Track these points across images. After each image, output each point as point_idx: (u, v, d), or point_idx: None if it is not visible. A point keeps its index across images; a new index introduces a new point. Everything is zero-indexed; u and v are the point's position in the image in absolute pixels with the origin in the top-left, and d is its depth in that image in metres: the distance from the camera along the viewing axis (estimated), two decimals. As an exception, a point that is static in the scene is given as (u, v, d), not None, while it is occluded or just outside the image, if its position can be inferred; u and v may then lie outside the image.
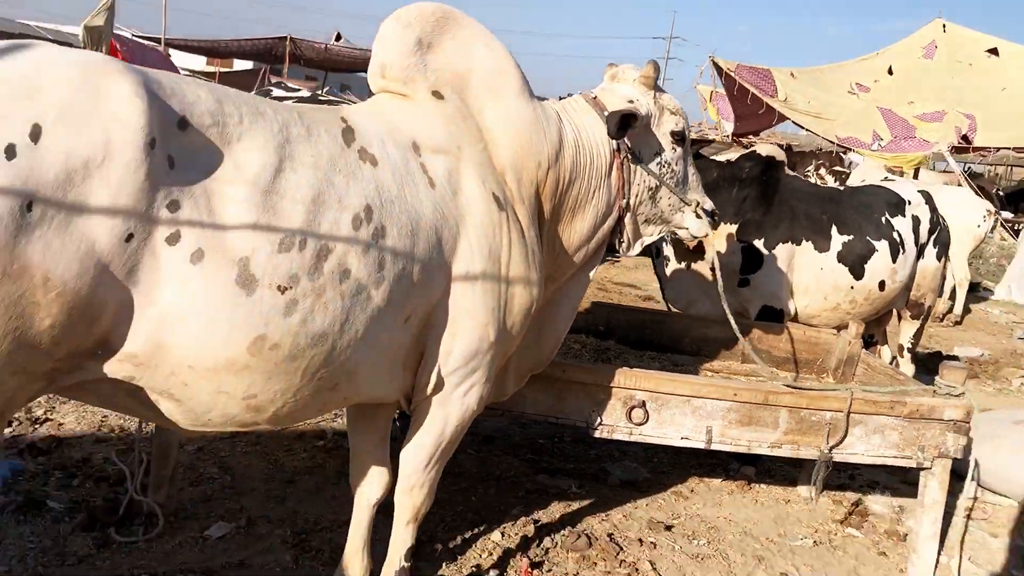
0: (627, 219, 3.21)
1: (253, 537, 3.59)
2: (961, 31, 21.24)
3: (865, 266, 5.05)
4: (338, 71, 31.49)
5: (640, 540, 3.94)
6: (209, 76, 30.59)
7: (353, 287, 2.35)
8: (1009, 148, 18.00)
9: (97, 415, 4.54)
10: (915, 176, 17.71)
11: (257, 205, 2.20)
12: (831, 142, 18.46)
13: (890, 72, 20.77)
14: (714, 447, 3.64)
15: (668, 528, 4.10)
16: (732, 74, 17.71)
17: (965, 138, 18.08)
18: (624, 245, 3.29)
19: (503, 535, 3.84)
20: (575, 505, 4.26)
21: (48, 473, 3.87)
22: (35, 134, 1.89)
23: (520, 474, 4.60)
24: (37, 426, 4.34)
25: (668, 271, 5.12)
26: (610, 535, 3.94)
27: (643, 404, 3.58)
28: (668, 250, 5.08)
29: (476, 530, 3.86)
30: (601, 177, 3.08)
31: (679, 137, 3.25)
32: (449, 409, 2.81)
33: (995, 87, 19.29)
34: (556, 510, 4.16)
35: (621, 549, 3.83)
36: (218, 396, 2.25)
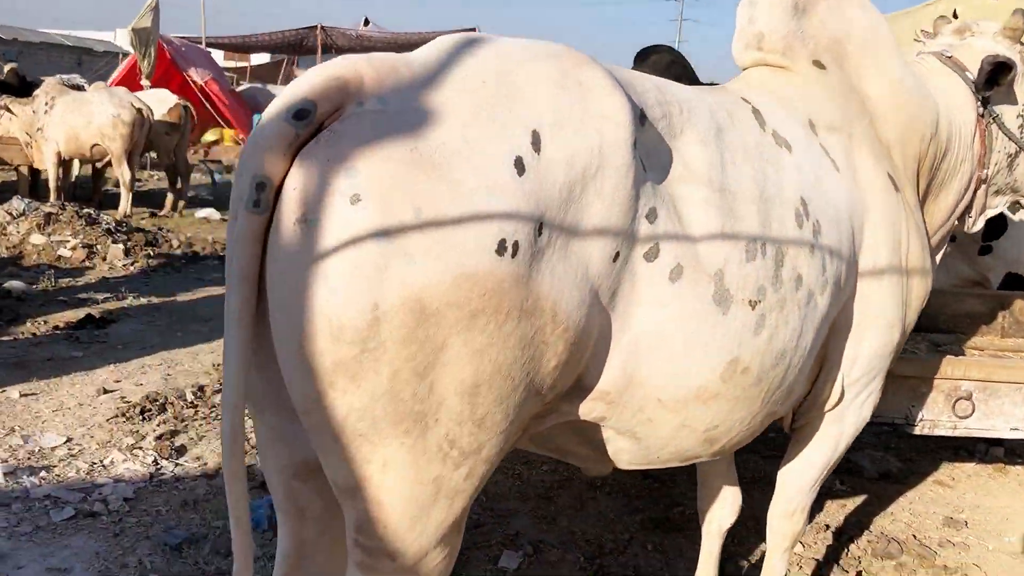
0: (980, 192, 2.85)
1: (547, 565, 3.29)
2: (1026, -32, 20.40)
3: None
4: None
5: (950, 541, 3.60)
6: (236, 71, 30.37)
7: (805, 295, 2.03)
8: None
9: (317, 438, 4.25)
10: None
11: (718, 208, 1.88)
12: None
13: (955, 16, 20.02)
14: (1046, 437, 3.29)
15: (966, 525, 3.77)
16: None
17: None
18: (971, 220, 2.93)
19: (803, 545, 3.52)
20: (849, 504, 3.93)
21: (301, 507, 3.58)
22: (536, 143, 1.57)
23: (772, 472, 4.26)
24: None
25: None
26: (914, 536, 3.62)
27: (970, 395, 3.23)
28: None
29: (769, 541, 3.54)
30: (967, 147, 2.72)
31: None
32: (845, 423, 2.48)
33: (1068, 24, 18.58)
34: (835, 511, 3.84)
35: (935, 553, 3.50)
36: (680, 431, 1.93)
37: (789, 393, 2.13)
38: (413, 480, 1.53)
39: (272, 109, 1.51)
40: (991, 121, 2.75)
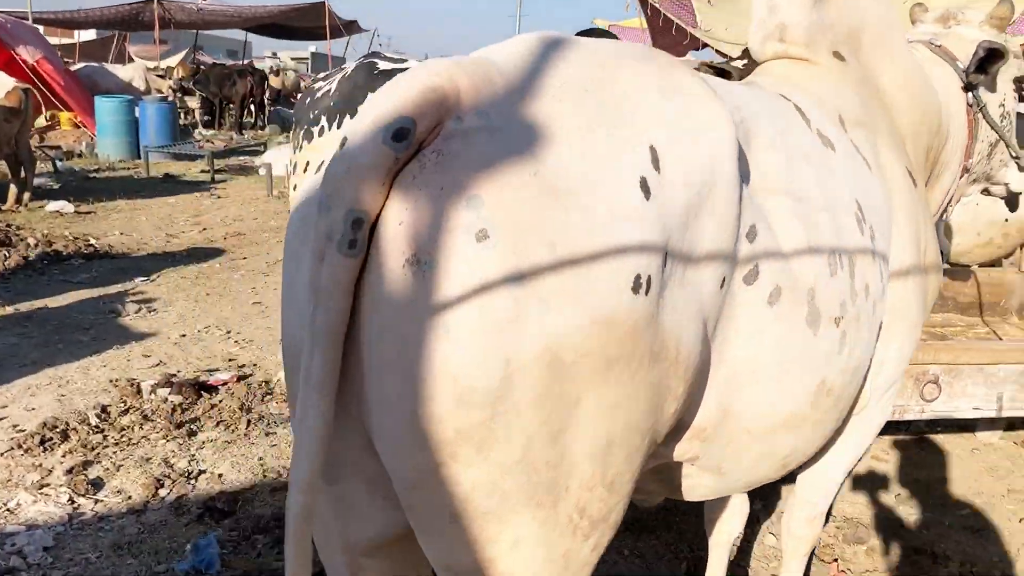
0: (962, 181, 2.84)
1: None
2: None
3: (1020, 197, 4.86)
4: (213, 30, 29.72)
5: (909, 519, 3.67)
6: (61, 49, 28.23)
7: (871, 306, 1.93)
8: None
9: (250, 458, 3.91)
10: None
11: (800, 219, 1.74)
12: (752, 67, 18.42)
13: None
14: (1005, 414, 3.38)
15: (917, 501, 3.85)
16: (658, 6, 17.41)
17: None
18: (951, 209, 2.92)
19: (775, 536, 3.49)
20: (804, 488, 3.94)
21: (251, 540, 3.27)
22: (655, 161, 1.37)
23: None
24: (193, 481, 3.69)
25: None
26: (875, 518, 3.66)
27: (937, 379, 3.27)
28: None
29: (746, 531, 3.50)
30: (959, 137, 2.70)
31: (1020, 83, 2.89)
32: (871, 425, 2.41)
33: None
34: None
35: (899, 534, 3.55)
36: (763, 459, 1.80)
37: (849, 409, 2.05)
38: (543, 559, 1.33)
39: (361, 128, 1.24)
40: (977, 110, 2.73)
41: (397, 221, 1.21)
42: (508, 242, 1.20)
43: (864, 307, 1.89)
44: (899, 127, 2.37)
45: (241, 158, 16.10)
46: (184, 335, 5.66)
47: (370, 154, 1.21)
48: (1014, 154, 2.93)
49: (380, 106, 1.25)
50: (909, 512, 3.74)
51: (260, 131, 20.91)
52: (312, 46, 52.43)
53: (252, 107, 21.92)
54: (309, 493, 1.27)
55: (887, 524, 3.62)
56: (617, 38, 4.16)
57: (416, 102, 1.24)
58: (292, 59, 46.91)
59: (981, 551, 3.47)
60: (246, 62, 27.87)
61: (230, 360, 5.20)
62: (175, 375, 4.82)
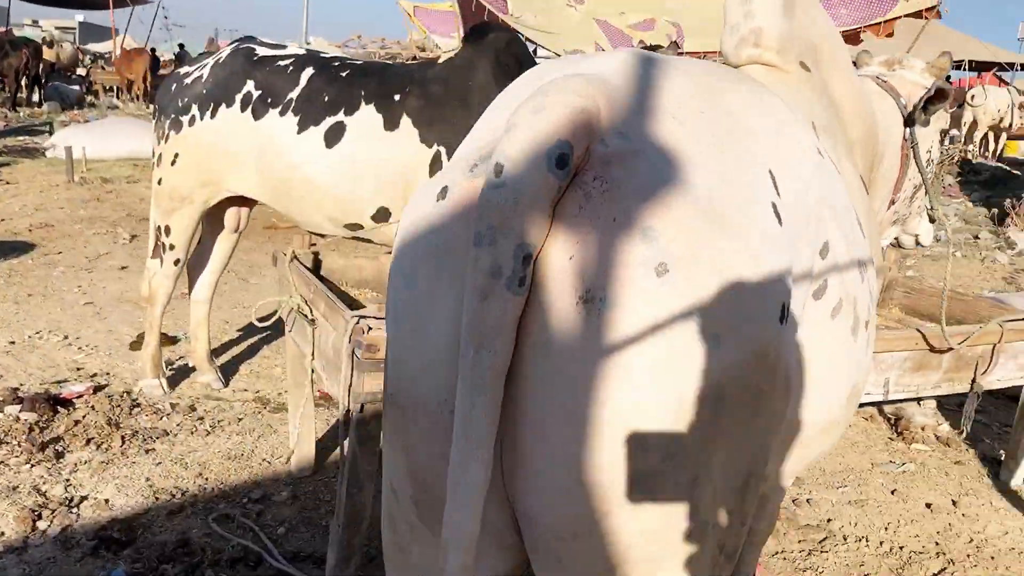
0: (886, 215, 3.00)
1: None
2: (661, -60, 22.19)
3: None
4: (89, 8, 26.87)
5: (800, 499, 3.89)
6: None
7: (873, 307, 2.01)
8: (716, 52, 19.49)
9: (135, 479, 3.56)
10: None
11: (839, 227, 1.78)
12: (558, 55, 18.86)
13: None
14: (890, 398, 3.64)
15: (804, 480, 4.09)
16: (469, -10, 17.43)
17: (676, 44, 19.27)
18: (868, 244, 3.09)
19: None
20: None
21: (159, 571, 2.99)
22: (775, 185, 1.37)
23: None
24: (75, 509, 3.32)
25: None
26: (773, 500, 3.85)
27: (838, 367, 3.47)
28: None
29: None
30: (892, 168, 2.85)
31: (944, 135, 3.08)
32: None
33: (697, -8, 20.54)
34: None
35: (795, 513, 3.75)
36: (797, 465, 1.85)
37: None
38: None
39: (521, 154, 1.13)
40: (911, 147, 2.89)
41: (567, 255, 1.12)
42: (685, 275, 1.14)
43: (874, 310, 1.96)
44: (849, 138, 2.48)
45: (21, 138, 14.67)
46: (13, 342, 5.08)
47: (537, 183, 1.11)
48: (930, 204, 3.13)
49: (535, 129, 1.14)
50: (797, 492, 3.97)
51: (37, 109, 19.16)
52: (80, 15, 48.34)
53: (25, 82, 20.02)
54: (471, 552, 1.16)
55: (784, 504, 3.82)
56: (516, 34, 4.10)
57: (571, 125, 1.15)
58: (56, 28, 43.09)
59: (868, 523, 3.73)
60: (3, 30, 25.36)
61: (78, 369, 4.73)
62: (19, 389, 4.32)
